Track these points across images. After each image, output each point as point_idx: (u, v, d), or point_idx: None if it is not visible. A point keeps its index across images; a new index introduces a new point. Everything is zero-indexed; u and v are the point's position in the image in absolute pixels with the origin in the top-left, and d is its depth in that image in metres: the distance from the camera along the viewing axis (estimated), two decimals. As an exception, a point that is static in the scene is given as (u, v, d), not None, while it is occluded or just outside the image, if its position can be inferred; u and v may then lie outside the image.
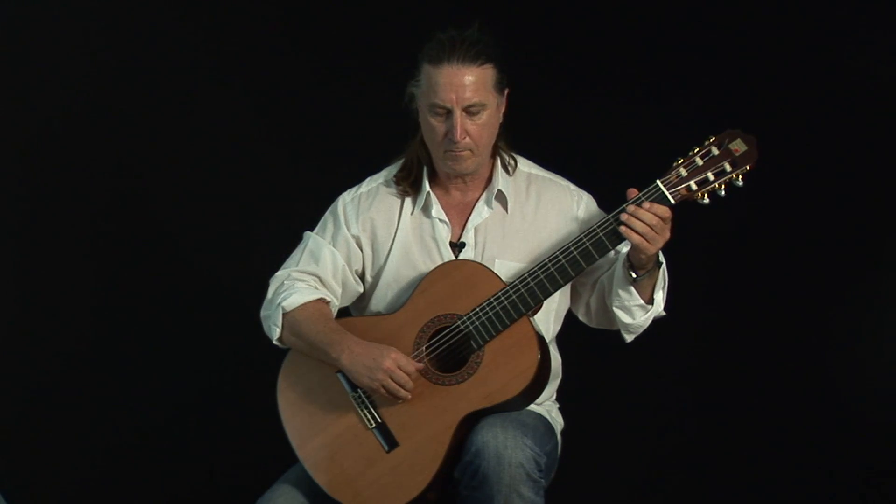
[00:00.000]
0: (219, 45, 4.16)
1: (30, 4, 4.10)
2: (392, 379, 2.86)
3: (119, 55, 4.14)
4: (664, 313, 2.96)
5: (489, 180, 3.01)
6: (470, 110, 2.88)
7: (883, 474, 4.01)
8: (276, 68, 4.15)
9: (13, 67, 4.11)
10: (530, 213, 3.00)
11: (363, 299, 3.07)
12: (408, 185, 3.02)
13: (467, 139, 2.90)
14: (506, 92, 2.94)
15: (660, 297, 2.92)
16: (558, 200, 3.01)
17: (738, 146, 2.82)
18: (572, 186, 3.04)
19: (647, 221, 2.80)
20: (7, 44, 4.11)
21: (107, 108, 4.15)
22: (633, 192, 2.84)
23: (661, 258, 2.90)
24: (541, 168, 3.06)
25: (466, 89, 2.87)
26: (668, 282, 2.94)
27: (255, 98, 4.15)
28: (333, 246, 3.03)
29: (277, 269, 3.07)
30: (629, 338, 2.99)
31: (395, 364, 2.86)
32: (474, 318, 2.87)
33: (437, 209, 3.00)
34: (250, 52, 4.15)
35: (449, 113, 2.89)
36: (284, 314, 2.97)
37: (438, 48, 2.89)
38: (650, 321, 2.95)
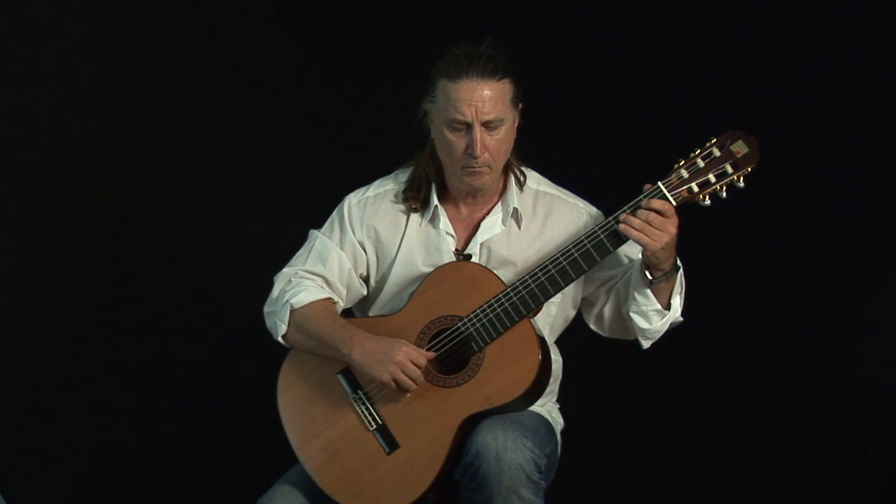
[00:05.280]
0: (223, 45, 4.15)
1: (31, 8, 4.10)
2: (403, 372, 2.86)
3: (122, 53, 4.14)
4: (681, 319, 2.95)
5: (500, 196, 3.00)
6: (489, 125, 2.86)
7: (883, 474, 4.01)
8: (282, 68, 4.14)
9: (13, 70, 4.11)
10: (536, 231, 2.99)
11: (366, 302, 3.07)
12: (417, 202, 3.01)
13: (486, 154, 2.88)
14: (520, 106, 2.93)
15: (677, 302, 2.91)
16: (565, 218, 2.99)
17: (739, 148, 2.82)
18: (581, 203, 3.02)
19: (643, 217, 2.80)
20: (7, 46, 4.10)
21: (110, 105, 4.14)
22: (649, 187, 2.84)
23: (679, 262, 2.89)
24: (549, 183, 3.05)
25: (486, 104, 2.84)
26: (685, 287, 2.94)
27: (260, 97, 4.15)
28: (341, 248, 3.03)
29: (279, 268, 3.07)
30: (646, 344, 2.97)
31: (407, 357, 2.85)
32: (475, 320, 2.87)
33: (444, 222, 2.99)
34: (255, 52, 4.15)
35: (468, 128, 2.86)
36: (292, 311, 2.97)
37: (455, 63, 2.86)
38: (667, 326, 2.94)
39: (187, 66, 4.14)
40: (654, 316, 2.91)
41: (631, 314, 2.92)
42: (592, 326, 3.07)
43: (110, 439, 4.16)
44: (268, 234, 3.83)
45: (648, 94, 3.97)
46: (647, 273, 2.86)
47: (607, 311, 3.02)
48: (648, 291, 2.88)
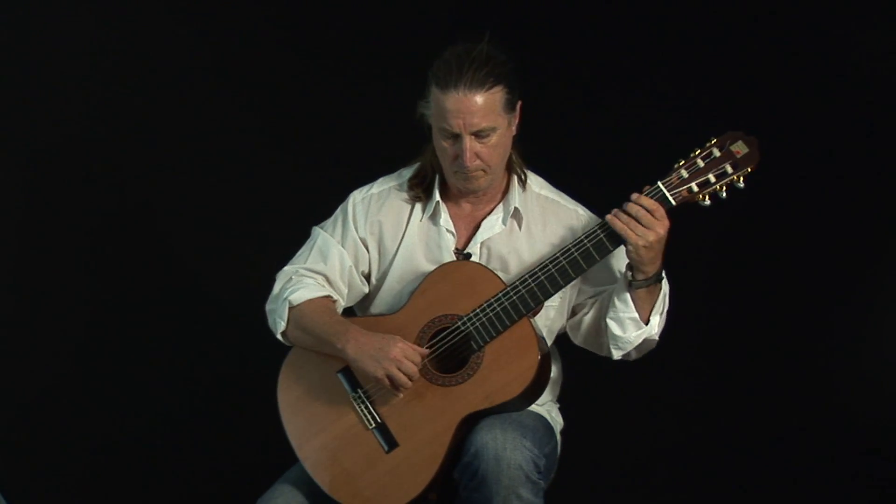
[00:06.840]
0: (224, 43, 4.16)
1: (32, 7, 4.10)
2: (399, 369, 2.85)
3: (123, 53, 4.14)
4: (656, 339, 2.95)
5: (503, 195, 3.00)
6: (479, 134, 2.86)
7: (884, 474, 4.01)
8: (283, 66, 4.14)
9: (13, 70, 4.11)
10: (537, 234, 2.99)
11: (367, 300, 3.08)
12: (421, 191, 3.01)
13: (478, 161, 2.88)
14: (518, 105, 2.91)
15: (656, 320, 2.91)
16: (565, 223, 2.99)
17: (739, 148, 2.82)
18: (580, 209, 3.02)
19: (632, 212, 2.80)
20: (8, 46, 4.10)
21: (110, 105, 4.15)
22: (649, 188, 2.84)
23: (664, 275, 2.89)
24: (551, 188, 3.04)
25: (474, 115, 2.84)
26: (669, 306, 2.93)
27: (263, 96, 4.15)
28: (342, 245, 3.03)
29: (281, 267, 3.07)
30: (617, 354, 2.96)
31: (402, 354, 2.85)
32: (475, 319, 2.87)
33: (445, 218, 2.99)
34: (256, 50, 4.15)
35: (458, 136, 2.87)
36: (290, 308, 2.97)
37: (446, 71, 2.84)
38: (640, 341, 2.92)
39: (188, 66, 4.14)
40: (630, 325, 2.90)
41: (608, 320, 2.91)
42: (567, 331, 3.06)
43: (110, 439, 4.16)
44: (270, 233, 3.83)
45: (649, 95, 3.97)
46: (630, 273, 2.86)
47: (587, 320, 3.00)
48: (628, 297, 2.88)
